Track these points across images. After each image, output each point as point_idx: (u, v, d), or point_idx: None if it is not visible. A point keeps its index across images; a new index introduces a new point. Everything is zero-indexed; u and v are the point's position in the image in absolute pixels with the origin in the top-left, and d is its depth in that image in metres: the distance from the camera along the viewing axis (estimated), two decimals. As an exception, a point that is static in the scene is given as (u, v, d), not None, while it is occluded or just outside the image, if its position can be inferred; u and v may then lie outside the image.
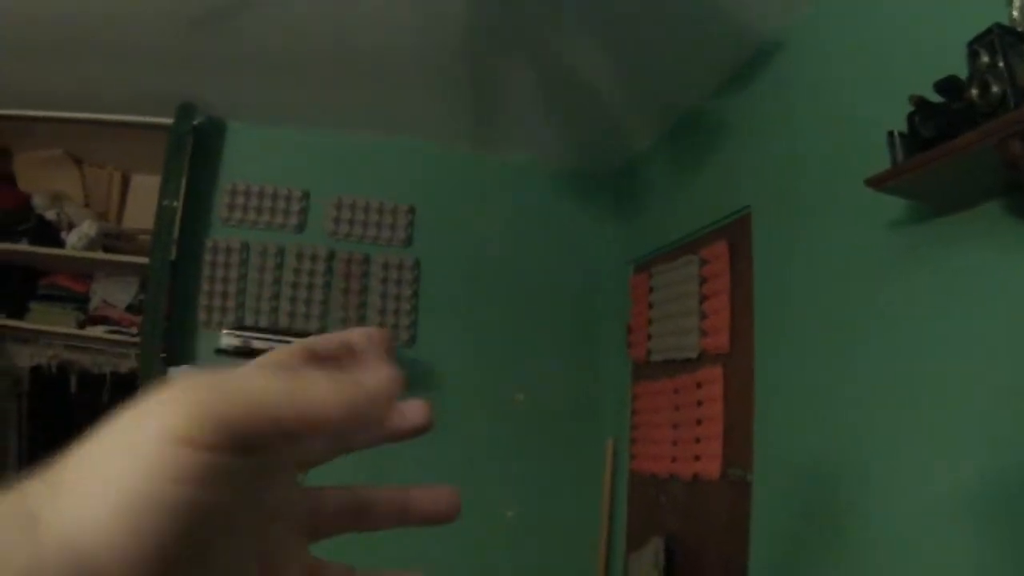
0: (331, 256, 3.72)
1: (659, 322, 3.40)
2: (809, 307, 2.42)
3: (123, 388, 3.67)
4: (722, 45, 2.83)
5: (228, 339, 3.33)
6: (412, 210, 3.80)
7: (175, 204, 3.52)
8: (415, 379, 3.64)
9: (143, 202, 3.99)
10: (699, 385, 3.00)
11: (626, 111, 3.41)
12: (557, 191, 3.88)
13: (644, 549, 3.21)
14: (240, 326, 3.52)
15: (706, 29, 2.73)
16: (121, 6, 2.89)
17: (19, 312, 3.81)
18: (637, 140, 3.66)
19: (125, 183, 4.11)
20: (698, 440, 2.96)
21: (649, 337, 3.46)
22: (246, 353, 3.33)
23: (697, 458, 2.95)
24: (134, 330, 3.70)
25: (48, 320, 3.77)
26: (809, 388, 2.38)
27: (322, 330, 3.66)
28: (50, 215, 3.83)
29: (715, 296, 2.98)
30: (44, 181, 3.98)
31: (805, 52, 2.57)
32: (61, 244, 3.74)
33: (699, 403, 2.99)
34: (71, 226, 3.80)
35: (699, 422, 2.97)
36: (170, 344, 3.50)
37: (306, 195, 3.76)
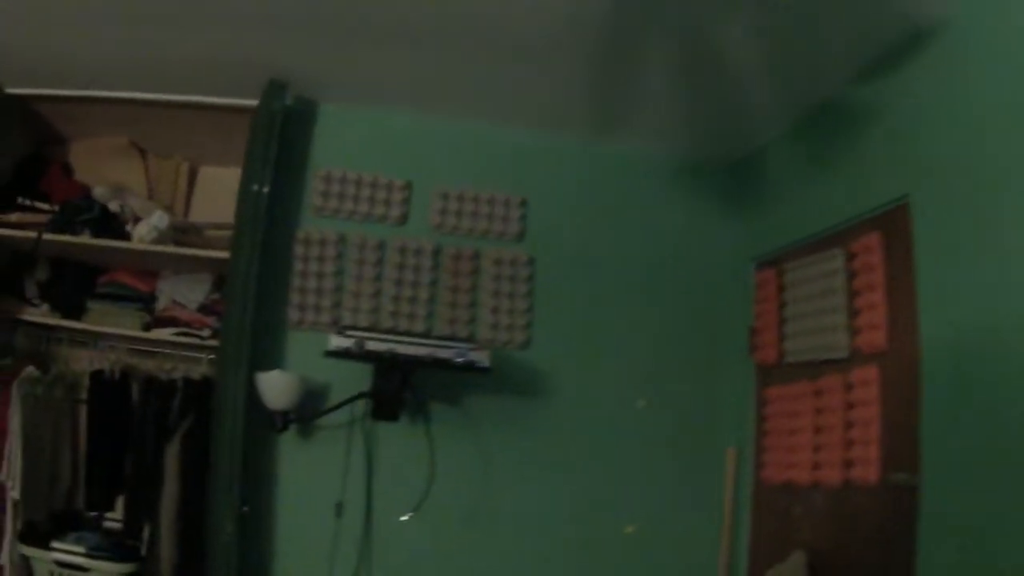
0: (437, 251, 3.43)
1: (795, 321, 3.17)
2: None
3: (195, 395, 3.30)
4: (872, 26, 2.62)
5: (339, 340, 2.98)
6: (524, 202, 3.52)
7: (263, 190, 3.18)
8: (530, 385, 3.37)
9: (213, 196, 3.69)
10: (850, 386, 2.78)
11: (758, 98, 3.17)
12: (675, 183, 3.65)
13: (783, 565, 2.95)
14: (343, 325, 3.16)
15: (858, 9, 2.53)
16: None
17: (76, 312, 3.48)
18: (764, 130, 3.43)
19: (192, 175, 3.76)
20: (850, 444, 2.74)
21: (782, 338, 3.23)
22: (359, 356, 2.98)
23: (849, 464, 2.73)
24: (206, 332, 3.38)
25: (109, 321, 3.43)
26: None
27: (428, 331, 3.33)
28: (113, 207, 3.47)
29: (868, 291, 2.76)
30: (104, 171, 3.64)
31: (972, 33, 2.38)
32: (126, 238, 3.38)
33: (850, 405, 2.77)
34: (136, 219, 3.45)
35: (850, 425, 2.76)
36: (254, 346, 3.14)
37: (408, 185, 3.47)
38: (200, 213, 3.68)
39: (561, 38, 2.83)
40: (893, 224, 2.67)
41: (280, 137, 3.26)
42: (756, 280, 3.50)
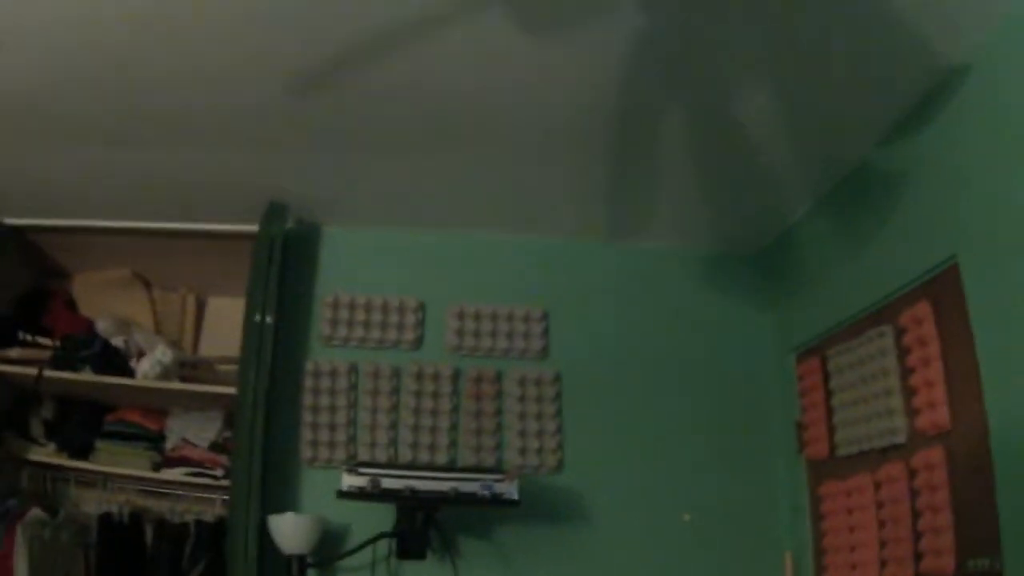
0: (456, 375, 3.22)
1: (844, 410, 2.92)
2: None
3: (209, 539, 3.14)
4: (900, 74, 2.40)
5: (351, 479, 2.77)
6: (545, 315, 3.32)
7: (268, 320, 3.00)
8: (566, 510, 3.14)
9: (221, 329, 3.57)
10: (914, 472, 2.52)
11: (783, 174, 2.97)
12: (704, 277, 3.44)
13: None
14: (355, 462, 2.96)
15: (882, 59, 2.32)
16: (201, 83, 2.47)
17: (84, 452, 3.34)
18: (792, 208, 3.21)
19: (200, 308, 3.62)
20: (920, 535, 2.47)
21: (832, 430, 2.99)
22: (376, 496, 2.78)
23: (920, 556, 2.45)
24: (219, 472, 3.21)
25: (118, 461, 3.29)
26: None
27: (452, 462, 3.11)
28: (116, 342, 3.32)
29: (924, 367, 2.50)
30: (108, 305, 3.52)
31: (1013, 63, 2.16)
32: (131, 374, 3.23)
33: (916, 493, 2.51)
34: (140, 354, 3.29)
35: (918, 514, 2.49)
36: (266, 486, 2.94)
37: (421, 306, 3.29)
38: (210, 347, 3.55)
39: (572, 136, 2.68)
40: (943, 289, 2.43)
41: (282, 263, 3.11)
42: (798, 371, 3.25)
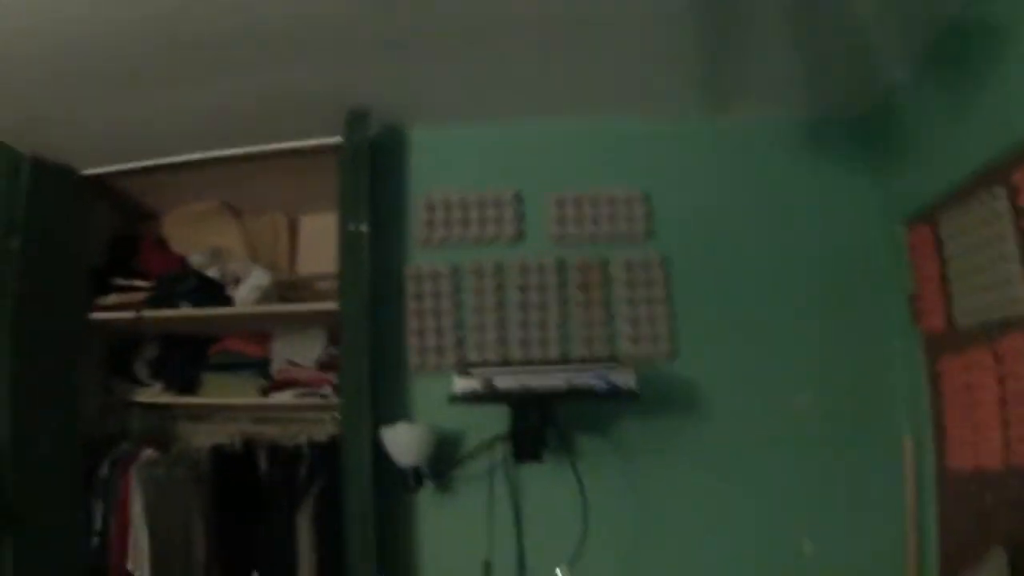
0: (561, 265, 3.10)
1: (960, 279, 2.71)
2: None
3: (323, 459, 3.09)
4: None
5: (463, 381, 2.69)
6: (647, 197, 3.17)
7: (361, 228, 2.92)
8: (681, 399, 3.02)
9: (316, 247, 3.52)
10: None
11: (879, 32, 2.76)
12: (805, 147, 3.22)
13: (981, 566, 2.47)
14: (465, 364, 2.87)
15: None
16: None
17: (190, 387, 3.36)
18: (892, 68, 2.99)
19: (293, 228, 3.56)
20: None
21: (948, 301, 2.78)
22: (489, 396, 2.68)
23: None
24: (328, 390, 3.16)
25: (225, 392, 3.31)
26: None
27: (565, 355, 3.00)
28: (212, 273, 3.28)
29: None
30: (200, 238, 3.51)
31: None
32: (229, 302, 3.18)
33: None
34: (237, 281, 3.25)
35: None
36: (376, 399, 2.86)
37: (519, 197, 3.16)
38: (308, 265, 3.50)
39: (664, 10, 2.52)
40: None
41: (371, 170, 3.01)
42: (909, 241, 3.04)
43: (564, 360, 2.96)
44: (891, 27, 2.72)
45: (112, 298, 3.27)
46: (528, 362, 2.94)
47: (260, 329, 3.36)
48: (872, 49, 2.84)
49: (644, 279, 3.07)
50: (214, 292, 3.26)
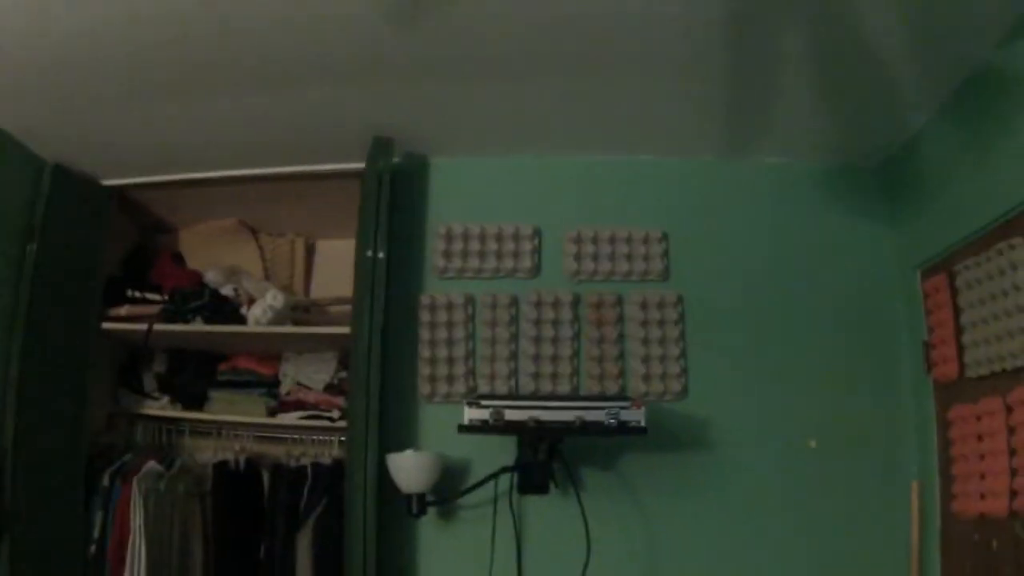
0: (576, 301, 3.10)
1: (974, 329, 2.71)
2: None
3: (327, 481, 3.10)
4: None
5: (473, 412, 2.67)
6: (665, 236, 3.18)
7: (379, 255, 2.93)
8: (690, 437, 3.02)
9: (332, 271, 3.56)
10: None
11: (902, 81, 2.78)
12: (824, 192, 3.26)
13: None
14: (476, 395, 2.87)
15: None
16: (302, 22, 2.36)
17: (198, 402, 3.38)
18: (912, 119, 3.01)
19: (310, 251, 3.58)
20: None
21: (961, 350, 2.78)
22: (498, 428, 2.68)
23: None
24: (336, 413, 3.18)
25: (233, 409, 3.34)
26: None
27: (575, 391, 3.01)
28: (226, 291, 3.30)
29: None
30: (216, 256, 3.53)
31: None
32: (242, 321, 3.20)
33: None
34: (251, 301, 3.26)
35: None
36: (384, 425, 2.86)
37: (537, 232, 3.17)
38: (322, 289, 3.52)
39: (687, 52, 2.54)
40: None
41: (391, 197, 3.02)
42: (924, 288, 3.05)
43: (575, 396, 2.96)
44: (913, 75, 2.73)
45: (125, 309, 3.30)
46: (539, 396, 2.93)
47: (271, 349, 3.36)
48: (894, 97, 2.85)
49: (659, 318, 3.07)
50: (227, 310, 3.27)
